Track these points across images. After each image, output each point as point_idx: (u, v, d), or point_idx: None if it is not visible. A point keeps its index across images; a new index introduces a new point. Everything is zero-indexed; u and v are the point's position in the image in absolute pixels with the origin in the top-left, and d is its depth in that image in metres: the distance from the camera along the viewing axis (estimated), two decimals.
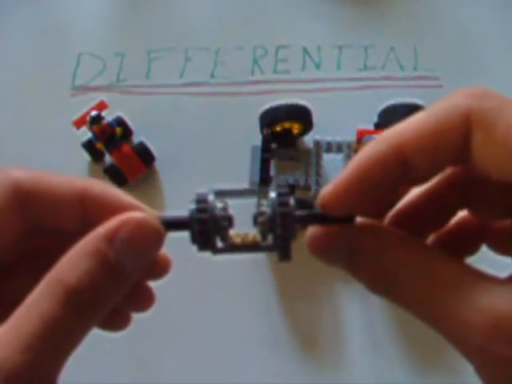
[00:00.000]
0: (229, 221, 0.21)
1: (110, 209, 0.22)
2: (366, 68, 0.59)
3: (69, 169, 0.54)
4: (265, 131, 0.52)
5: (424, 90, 0.57)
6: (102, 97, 0.55)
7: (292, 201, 0.21)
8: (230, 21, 0.63)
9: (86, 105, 0.54)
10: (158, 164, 0.55)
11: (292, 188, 0.51)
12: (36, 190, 0.22)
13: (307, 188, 0.51)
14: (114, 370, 0.46)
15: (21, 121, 0.57)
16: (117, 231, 0.20)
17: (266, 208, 0.21)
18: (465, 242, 0.25)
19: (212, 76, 0.59)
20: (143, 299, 0.26)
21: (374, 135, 0.49)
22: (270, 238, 0.21)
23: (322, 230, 0.21)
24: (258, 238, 0.22)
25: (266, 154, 0.51)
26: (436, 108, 0.20)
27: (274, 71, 0.60)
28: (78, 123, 0.53)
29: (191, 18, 0.63)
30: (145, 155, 0.53)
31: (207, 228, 0.21)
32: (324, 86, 0.58)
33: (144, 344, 0.47)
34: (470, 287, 0.18)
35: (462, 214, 0.24)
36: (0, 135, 0.57)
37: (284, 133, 0.52)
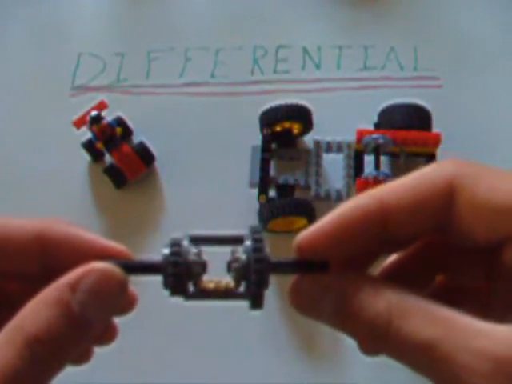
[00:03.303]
0: (203, 266, 0.21)
1: (71, 250, 0.21)
2: (366, 68, 0.59)
3: (69, 169, 0.54)
4: (265, 131, 0.52)
5: (424, 89, 0.57)
6: (101, 97, 0.55)
7: (267, 248, 0.21)
8: (230, 21, 0.63)
9: (85, 105, 0.54)
10: (158, 164, 0.55)
11: (292, 188, 0.51)
12: None
13: (307, 188, 0.51)
14: (116, 369, 0.46)
15: (21, 121, 0.57)
16: (79, 281, 0.20)
17: (240, 255, 0.21)
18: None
19: (212, 76, 0.59)
20: (105, 334, 0.25)
21: (374, 135, 0.49)
22: (243, 286, 0.21)
23: (306, 281, 0.21)
24: (232, 285, 0.21)
25: (265, 153, 0.51)
26: (421, 172, 0.21)
27: (274, 71, 0.60)
28: (78, 123, 0.53)
29: (191, 18, 0.63)
30: (145, 155, 0.53)
31: (180, 272, 0.20)
32: (324, 86, 0.58)
33: (144, 344, 0.47)
34: (467, 331, 0.18)
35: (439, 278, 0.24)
36: (0, 135, 0.57)
37: (284, 133, 0.52)
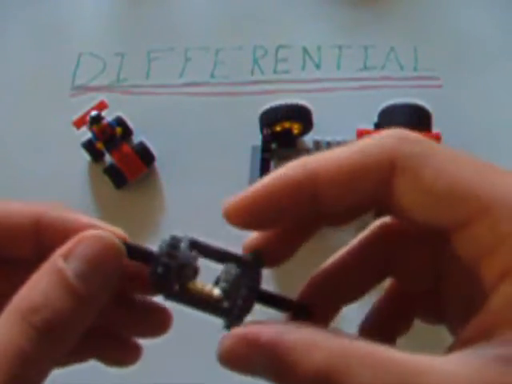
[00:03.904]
0: (194, 271, 0.21)
1: (67, 233, 0.21)
2: (365, 68, 0.59)
3: (69, 169, 0.54)
4: (265, 131, 0.52)
5: (424, 89, 0.57)
6: (101, 97, 0.55)
7: (261, 277, 0.21)
8: (230, 21, 0.63)
9: (86, 105, 0.54)
10: (158, 164, 0.54)
11: None
12: None
13: None
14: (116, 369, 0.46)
15: (21, 121, 0.57)
16: (72, 249, 0.19)
17: (232, 272, 0.21)
18: (396, 320, 0.24)
19: (212, 76, 0.59)
20: (126, 354, 0.25)
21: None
22: (225, 303, 0.21)
23: (238, 337, 0.19)
24: (214, 296, 0.21)
25: (266, 154, 0.51)
26: (361, 143, 0.20)
27: (274, 71, 0.60)
28: (78, 123, 0.53)
29: (191, 18, 0.64)
30: (145, 155, 0.53)
31: (169, 274, 0.20)
32: (324, 86, 0.58)
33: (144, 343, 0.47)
34: (419, 373, 0.16)
35: (389, 290, 0.24)
36: (0, 135, 0.57)
37: (284, 133, 0.52)
